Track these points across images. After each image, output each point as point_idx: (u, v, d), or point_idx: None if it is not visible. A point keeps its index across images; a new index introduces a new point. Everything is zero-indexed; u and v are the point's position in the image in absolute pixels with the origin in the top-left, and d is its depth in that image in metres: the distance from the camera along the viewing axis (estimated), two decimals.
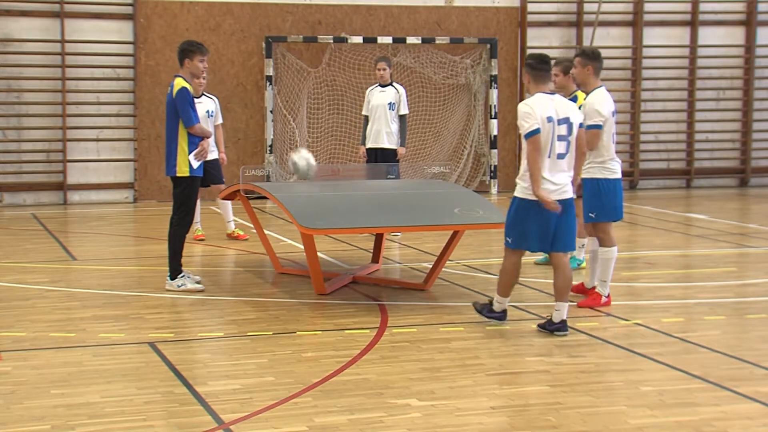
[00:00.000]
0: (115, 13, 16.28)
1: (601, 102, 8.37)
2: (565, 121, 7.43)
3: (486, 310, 7.80)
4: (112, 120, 16.35)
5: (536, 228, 7.44)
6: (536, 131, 7.29)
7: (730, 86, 19.12)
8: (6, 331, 7.61)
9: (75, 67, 16.08)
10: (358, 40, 16.96)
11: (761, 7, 18.98)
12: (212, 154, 11.65)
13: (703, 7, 18.70)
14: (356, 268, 10.03)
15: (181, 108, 8.86)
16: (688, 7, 18.70)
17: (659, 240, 12.39)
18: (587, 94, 8.58)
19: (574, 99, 9.96)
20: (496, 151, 17.76)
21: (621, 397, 6.04)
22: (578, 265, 10.01)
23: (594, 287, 8.66)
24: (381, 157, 12.31)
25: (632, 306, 8.55)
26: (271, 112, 16.69)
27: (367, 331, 7.60)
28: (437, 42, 17.29)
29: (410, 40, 17.15)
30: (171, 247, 9.04)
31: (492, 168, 17.76)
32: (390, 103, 12.34)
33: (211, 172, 11.27)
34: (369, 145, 12.46)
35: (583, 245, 10.02)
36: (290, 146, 16.88)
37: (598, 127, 8.31)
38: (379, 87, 12.52)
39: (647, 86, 18.62)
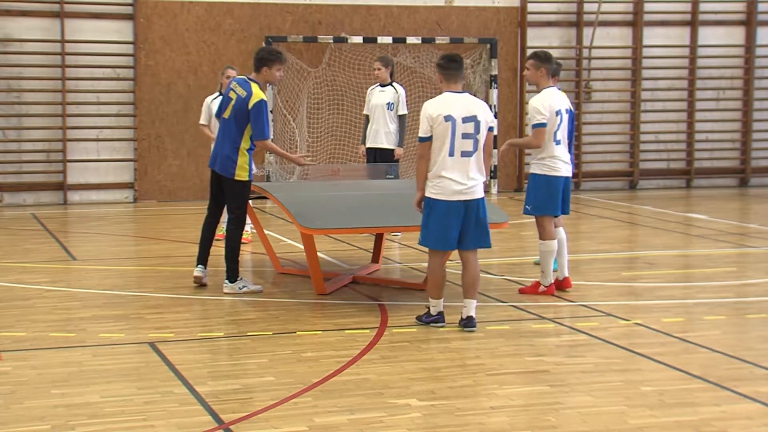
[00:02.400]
0: (115, 13, 16.27)
1: (543, 101, 8.71)
2: (472, 119, 7.55)
3: (424, 316, 7.81)
4: (112, 120, 16.34)
5: (447, 226, 7.54)
6: (427, 138, 7.51)
7: (730, 86, 19.11)
8: (6, 331, 7.62)
9: (75, 67, 16.08)
10: (358, 40, 16.96)
11: (761, 7, 18.97)
12: None
13: (703, 7, 18.69)
14: (356, 268, 10.03)
15: (258, 119, 8.74)
16: (688, 7, 18.69)
17: (659, 240, 12.39)
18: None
19: None
20: (496, 150, 17.74)
21: (621, 397, 6.04)
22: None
23: (567, 277, 9.07)
24: (380, 156, 12.31)
25: (632, 306, 8.55)
26: (271, 112, 16.67)
27: (367, 331, 7.60)
28: (437, 42, 17.28)
29: (410, 40, 17.15)
30: (230, 250, 8.94)
31: (492, 168, 17.74)
32: (388, 103, 12.34)
33: None
34: (368, 144, 12.46)
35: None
36: (290, 146, 16.88)
37: (542, 125, 8.66)
38: (379, 87, 12.52)
39: (647, 86, 18.61)
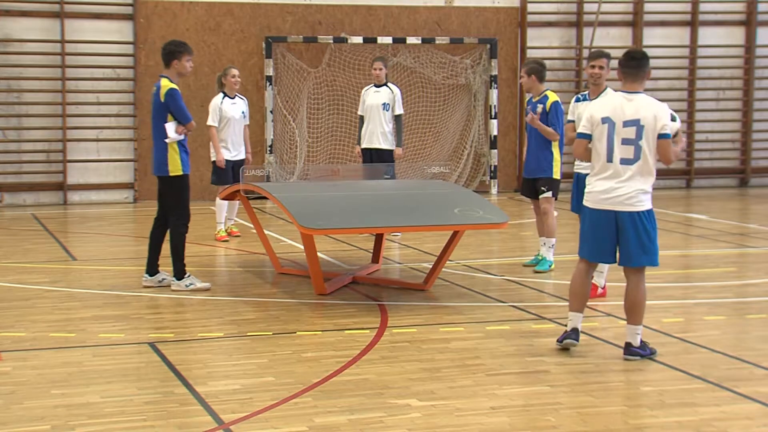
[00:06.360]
0: (115, 13, 16.28)
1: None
2: (634, 123, 6.81)
3: (561, 336, 7.07)
4: (112, 120, 16.35)
5: (596, 236, 6.90)
6: (585, 136, 6.94)
7: (730, 86, 19.12)
8: (6, 331, 7.62)
9: (75, 67, 16.08)
10: (358, 40, 16.96)
11: (761, 7, 18.98)
12: (241, 155, 12.07)
13: (703, 7, 18.70)
14: (356, 268, 10.03)
15: (175, 108, 8.90)
16: (688, 7, 18.70)
17: (659, 240, 12.32)
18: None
19: (545, 99, 10.00)
20: (496, 151, 17.76)
21: (621, 397, 6.04)
22: (549, 267, 10.02)
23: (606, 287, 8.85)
24: (376, 157, 12.33)
25: None
26: (271, 112, 16.69)
27: (367, 331, 7.60)
28: (437, 42, 17.29)
29: (410, 40, 17.15)
30: (173, 249, 9.04)
31: (492, 168, 17.76)
32: (384, 104, 12.35)
33: (237, 171, 11.40)
34: (364, 145, 12.49)
35: (552, 246, 10.05)
36: (290, 146, 16.88)
37: None
38: (374, 87, 12.54)
39: (647, 86, 18.38)
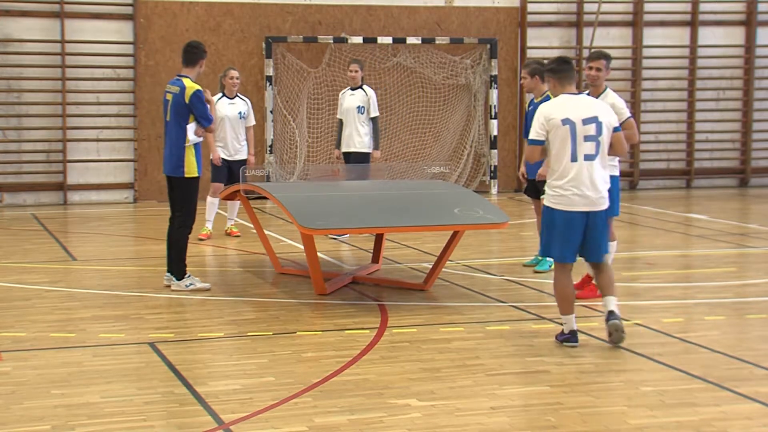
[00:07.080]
0: (115, 14, 16.28)
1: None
2: (593, 120, 7.08)
3: (559, 335, 7.34)
4: (112, 120, 16.34)
5: (567, 238, 7.13)
6: (538, 142, 7.13)
7: (730, 86, 19.11)
8: (6, 331, 7.62)
9: (75, 67, 16.08)
10: (358, 40, 16.96)
11: (761, 7, 18.97)
12: (240, 154, 12.14)
13: (703, 7, 18.69)
14: (356, 268, 10.03)
15: (200, 110, 8.92)
16: (688, 7, 18.69)
17: (659, 240, 12.39)
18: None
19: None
20: (496, 151, 17.76)
21: (621, 397, 6.04)
22: (549, 267, 9.99)
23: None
24: (354, 160, 12.36)
25: (632, 306, 8.54)
26: (271, 112, 16.69)
27: (367, 331, 7.60)
28: (437, 42, 17.29)
29: (410, 40, 17.15)
30: (176, 249, 9.04)
31: (492, 168, 17.75)
32: (359, 107, 12.36)
33: (234, 172, 11.40)
34: (343, 149, 12.52)
35: None
36: (290, 146, 16.88)
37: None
38: (349, 90, 12.56)
39: (647, 86, 18.61)
